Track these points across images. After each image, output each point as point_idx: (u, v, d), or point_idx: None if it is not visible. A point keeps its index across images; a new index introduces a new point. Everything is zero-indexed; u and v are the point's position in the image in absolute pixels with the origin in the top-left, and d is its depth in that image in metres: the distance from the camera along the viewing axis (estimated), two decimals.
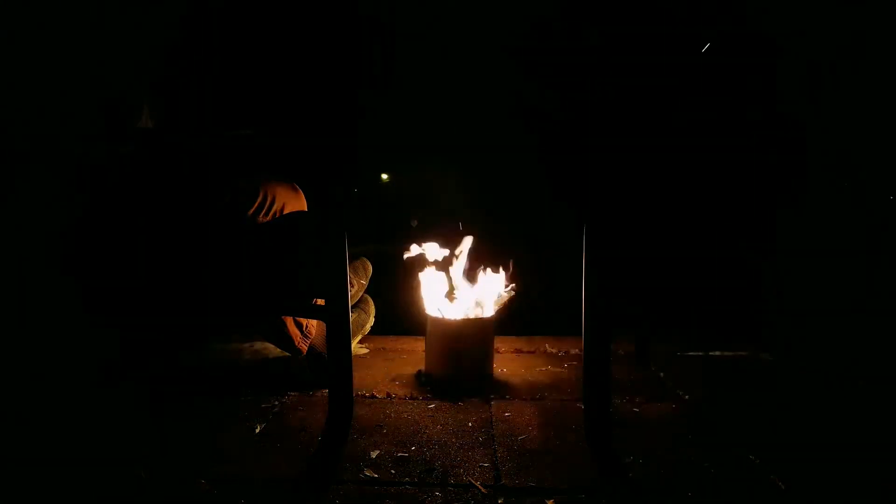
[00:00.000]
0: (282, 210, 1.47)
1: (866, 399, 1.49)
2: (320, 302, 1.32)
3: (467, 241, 1.78)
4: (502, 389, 1.56)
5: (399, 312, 2.12)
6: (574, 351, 1.95)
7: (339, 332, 1.25)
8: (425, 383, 1.61)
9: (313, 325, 1.58)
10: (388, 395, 1.52)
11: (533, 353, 1.95)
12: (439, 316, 1.68)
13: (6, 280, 1.36)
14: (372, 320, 1.95)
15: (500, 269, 1.78)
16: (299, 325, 1.55)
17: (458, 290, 1.78)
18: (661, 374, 1.70)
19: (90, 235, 1.33)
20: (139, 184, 1.36)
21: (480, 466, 1.10)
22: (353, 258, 1.90)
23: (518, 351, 1.96)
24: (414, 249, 1.77)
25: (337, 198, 1.26)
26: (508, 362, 1.83)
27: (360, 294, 1.95)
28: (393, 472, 1.08)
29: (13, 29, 1.32)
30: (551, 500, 0.98)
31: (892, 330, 1.74)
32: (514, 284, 1.76)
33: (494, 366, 1.73)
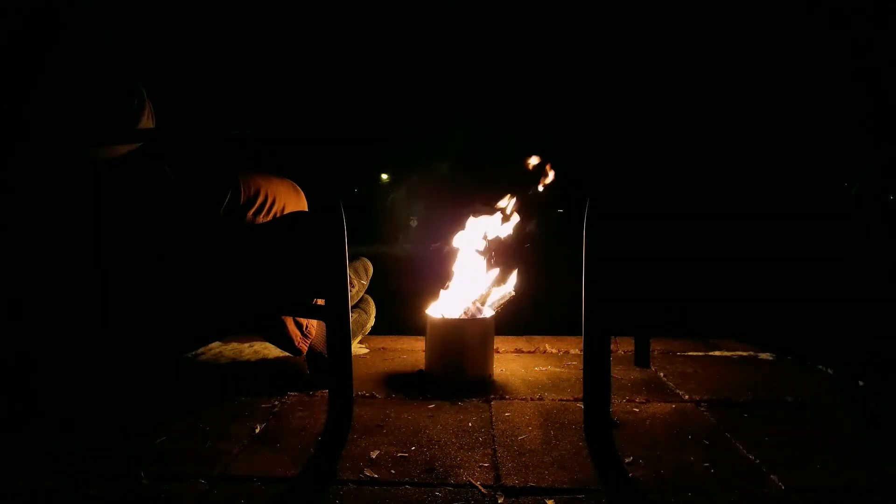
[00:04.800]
0: (282, 210, 1.47)
1: (868, 398, 1.49)
2: (320, 302, 1.32)
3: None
4: (502, 389, 1.56)
5: (399, 312, 2.12)
6: (574, 351, 1.95)
7: (339, 332, 1.25)
8: (425, 383, 1.61)
9: (313, 325, 1.58)
10: (388, 395, 1.52)
11: (533, 353, 1.95)
12: (439, 316, 1.68)
13: (6, 280, 1.36)
14: (372, 320, 1.95)
15: (502, 268, 1.78)
16: (299, 325, 1.55)
17: (460, 289, 1.78)
18: (661, 374, 1.70)
19: (90, 235, 1.33)
20: (139, 184, 1.35)
21: (480, 466, 1.10)
22: (354, 258, 1.90)
23: (518, 351, 1.96)
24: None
25: (337, 197, 1.26)
26: (508, 362, 1.83)
27: (361, 294, 1.95)
28: (393, 472, 1.08)
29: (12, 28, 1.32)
30: (551, 500, 0.98)
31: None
32: (515, 285, 1.76)
33: (494, 366, 1.73)
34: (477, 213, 1.79)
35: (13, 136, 1.29)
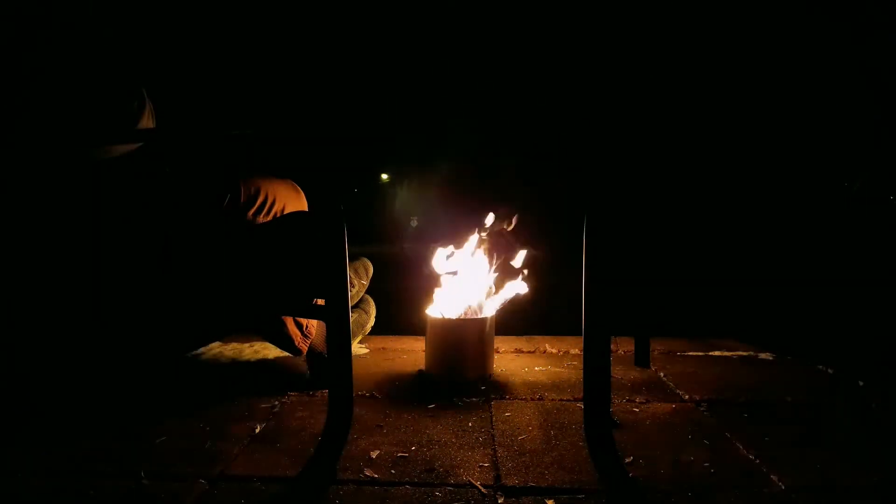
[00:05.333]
0: (282, 210, 1.47)
1: (868, 398, 1.49)
2: (320, 302, 1.32)
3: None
4: (502, 389, 1.56)
5: (399, 312, 2.12)
6: (574, 351, 1.95)
7: (339, 332, 1.25)
8: (425, 383, 1.61)
9: (313, 325, 1.58)
10: (388, 394, 1.52)
11: (533, 353, 1.95)
12: (439, 316, 1.68)
13: (7, 280, 1.36)
14: (372, 320, 1.95)
15: (503, 269, 1.78)
16: (299, 325, 1.55)
17: (460, 289, 1.78)
18: (661, 374, 1.70)
19: (90, 235, 1.33)
20: (140, 184, 1.36)
21: (480, 466, 1.10)
22: (354, 258, 1.90)
23: (518, 351, 1.96)
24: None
25: (337, 198, 1.26)
26: (508, 362, 1.83)
27: (361, 294, 1.95)
28: (393, 472, 1.08)
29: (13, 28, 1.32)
30: (551, 500, 0.98)
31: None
32: (517, 286, 1.76)
33: (494, 366, 1.73)
34: (479, 216, 1.79)
35: (13, 136, 1.29)
